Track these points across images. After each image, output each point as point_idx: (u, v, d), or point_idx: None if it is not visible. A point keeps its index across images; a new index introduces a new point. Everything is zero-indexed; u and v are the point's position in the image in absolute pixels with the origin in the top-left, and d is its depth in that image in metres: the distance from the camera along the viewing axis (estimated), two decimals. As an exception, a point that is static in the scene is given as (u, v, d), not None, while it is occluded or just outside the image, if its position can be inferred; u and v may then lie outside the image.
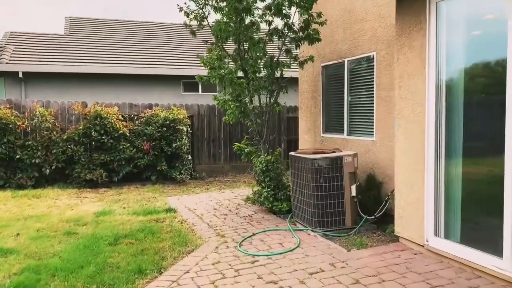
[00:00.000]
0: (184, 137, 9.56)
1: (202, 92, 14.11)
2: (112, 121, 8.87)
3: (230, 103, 6.50)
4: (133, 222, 5.67)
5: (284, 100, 7.11)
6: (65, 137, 8.48)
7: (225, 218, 5.92)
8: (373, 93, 5.92)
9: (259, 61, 6.36)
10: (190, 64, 13.88)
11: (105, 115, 8.80)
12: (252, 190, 6.88)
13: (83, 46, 13.96)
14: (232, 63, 6.75)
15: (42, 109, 8.49)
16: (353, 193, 5.11)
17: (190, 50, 15.24)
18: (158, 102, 10.17)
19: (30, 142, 8.19)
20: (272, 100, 6.58)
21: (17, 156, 8.06)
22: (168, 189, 8.74)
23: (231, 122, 6.72)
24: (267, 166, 6.02)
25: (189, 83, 13.89)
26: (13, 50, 12.34)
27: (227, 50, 6.67)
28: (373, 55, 5.89)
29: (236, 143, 7.09)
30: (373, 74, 5.89)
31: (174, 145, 9.25)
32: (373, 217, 5.09)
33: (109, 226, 5.47)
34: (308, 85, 7.53)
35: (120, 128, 8.92)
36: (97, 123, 8.69)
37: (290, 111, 11.35)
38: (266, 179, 6.05)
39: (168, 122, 9.26)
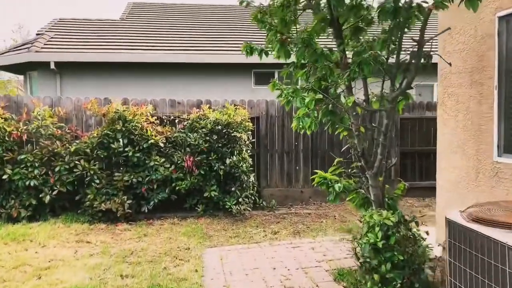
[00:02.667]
0: (243, 149, 6.76)
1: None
2: (140, 126, 6.39)
3: (305, 94, 3.51)
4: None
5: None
6: (72, 149, 6.16)
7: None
8: None
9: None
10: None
11: (130, 117, 6.34)
12: (352, 245, 3.77)
13: (137, 32, 11.98)
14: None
15: (44, 109, 6.29)
16: None
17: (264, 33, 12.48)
18: (223, 98, 7.49)
19: (24, 157, 6.00)
20: (399, 88, 3.40)
21: (5, 176, 5.93)
22: (216, 230, 5.99)
23: (308, 132, 3.73)
24: (387, 238, 2.92)
25: (263, 74, 11.14)
26: (51, 38, 10.69)
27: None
28: None
29: (318, 172, 4.02)
30: None
31: (228, 160, 6.50)
32: None
33: None
34: (462, 60, 4.14)
35: (152, 135, 6.40)
36: (119, 128, 6.27)
37: (405, 109, 7.91)
38: (383, 268, 2.96)
39: (219, 127, 6.53)
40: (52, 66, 9.70)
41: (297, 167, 7.68)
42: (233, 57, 10.61)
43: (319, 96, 3.34)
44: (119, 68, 10.29)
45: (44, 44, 10.25)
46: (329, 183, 3.77)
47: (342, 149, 4.99)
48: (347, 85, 3.51)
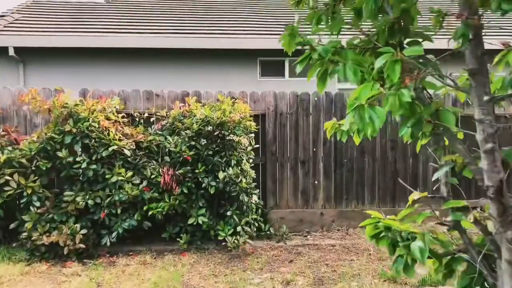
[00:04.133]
0: (243, 158, 5.06)
1: (289, 77, 9.55)
2: (98, 126, 4.70)
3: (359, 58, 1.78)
4: None
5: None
6: (2, 158, 4.49)
7: None
8: None
9: None
10: (271, 32, 9.40)
11: (85, 114, 4.66)
12: None
13: (122, 14, 10.32)
14: None
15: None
16: None
17: (271, 14, 10.78)
18: (222, 91, 5.76)
19: None
20: None
21: None
22: (202, 275, 4.29)
23: (368, 136, 1.94)
24: None
25: (270, 64, 9.45)
26: (15, 20, 9.06)
27: None
28: None
29: (372, 213, 2.24)
30: None
31: (222, 174, 4.79)
32: None
33: None
34: None
35: (115, 139, 4.71)
36: (68, 130, 4.59)
37: None
38: None
39: (210, 127, 4.82)
40: (11, 52, 8.07)
41: (316, 181, 5.93)
42: (235, 41, 8.90)
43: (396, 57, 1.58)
44: (98, 55, 8.63)
45: (4, 27, 8.63)
46: (397, 238, 2.02)
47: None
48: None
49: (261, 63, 9.55)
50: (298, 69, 1.91)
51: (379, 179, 6.07)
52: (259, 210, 5.51)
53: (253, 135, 5.26)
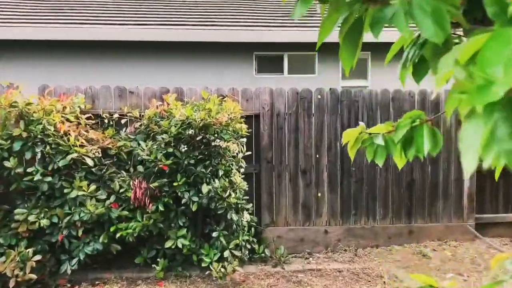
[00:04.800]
0: (232, 167, 4.27)
1: (289, 73, 8.78)
2: (55, 130, 3.91)
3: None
4: None
5: None
6: None
7: None
8: None
9: None
10: (268, 24, 8.62)
11: (38, 115, 3.87)
12: None
13: (98, 4, 9.51)
14: None
15: None
16: None
17: (267, 3, 9.99)
18: (206, 87, 4.96)
19: None
20: None
21: None
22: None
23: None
24: None
25: (268, 59, 8.68)
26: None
27: None
28: None
29: (421, 277, 2.29)
30: None
31: (206, 187, 4.00)
32: None
33: None
34: None
35: (75, 145, 3.91)
36: (18, 134, 3.80)
37: None
38: None
39: (191, 130, 4.02)
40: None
41: (319, 194, 5.13)
42: (227, 34, 8.12)
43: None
44: (72, 49, 7.85)
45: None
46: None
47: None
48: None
49: (257, 58, 8.77)
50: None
51: (392, 190, 5.28)
52: (252, 229, 4.71)
53: (244, 139, 4.46)
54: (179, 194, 4.05)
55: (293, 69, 9.02)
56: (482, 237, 5.50)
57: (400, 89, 5.27)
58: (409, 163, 5.29)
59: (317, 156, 5.11)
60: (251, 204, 4.66)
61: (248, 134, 4.49)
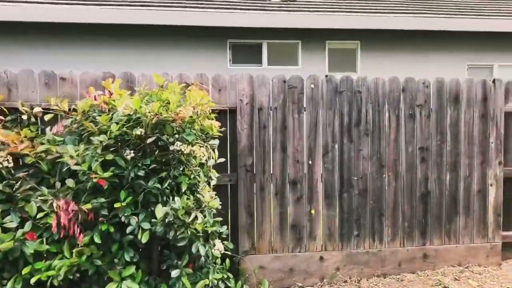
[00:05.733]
0: (199, 179, 3.17)
1: (269, 64, 7.75)
2: None
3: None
4: None
5: None
6: None
7: None
8: None
9: None
10: (244, 6, 7.57)
11: None
12: None
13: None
14: None
15: None
16: None
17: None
18: (165, 72, 3.80)
19: None
20: None
21: None
22: None
23: None
24: None
25: (244, 47, 7.60)
26: None
27: None
28: None
29: None
30: None
31: (162, 210, 2.88)
32: None
33: None
34: None
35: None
36: None
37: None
38: None
39: (140, 130, 2.89)
40: None
41: (313, 210, 4.09)
42: (199, 16, 7.01)
43: None
44: (23, 30, 6.60)
45: None
46: None
47: None
48: None
49: (232, 47, 7.70)
50: None
51: (403, 204, 4.29)
52: (227, 260, 3.62)
53: (216, 142, 3.37)
54: (122, 219, 2.92)
55: (273, 60, 7.99)
56: (510, 261, 4.57)
57: (413, 78, 4.28)
58: (424, 171, 4.30)
59: (310, 162, 4.06)
60: (225, 227, 3.56)
61: (221, 134, 3.40)
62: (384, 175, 4.23)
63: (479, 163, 4.42)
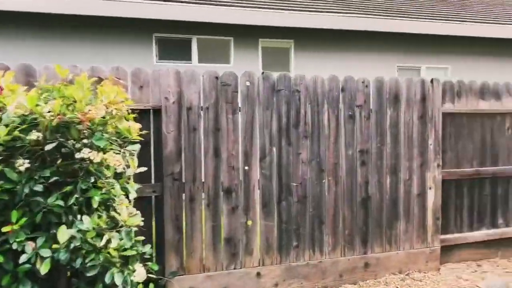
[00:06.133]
0: (114, 193, 2.64)
1: (200, 62, 7.30)
2: None
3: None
4: None
5: None
6: None
7: None
8: None
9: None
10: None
11: None
12: None
13: None
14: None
15: None
16: None
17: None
18: (74, 65, 3.18)
19: None
20: None
21: None
22: None
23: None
24: None
25: (171, 42, 7.11)
26: None
27: None
28: None
29: None
30: None
31: (65, 234, 2.34)
32: None
33: None
34: None
35: None
36: None
37: (449, 94, 4.58)
38: None
39: (37, 135, 2.32)
40: None
41: (249, 221, 3.71)
42: (120, 6, 6.38)
43: None
44: None
45: None
46: None
47: None
48: None
49: (158, 42, 7.15)
50: None
51: (344, 210, 4.06)
52: (150, 285, 3.13)
53: (136, 147, 2.86)
54: (14, 246, 2.34)
55: (204, 57, 7.55)
56: (448, 265, 4.52)
57: (352, 76, 4.06)
58: (364, 174, 4.10)
59: (246, 168, 3.68)
60: (149, 246, 3.06)
61: (142, 139, 2.90)
62: (324, 180, 3.96)
63: (419, 166, 4.31)
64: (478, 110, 4.63)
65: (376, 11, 9.22)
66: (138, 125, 2.85)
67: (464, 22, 9.51)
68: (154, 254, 3.44)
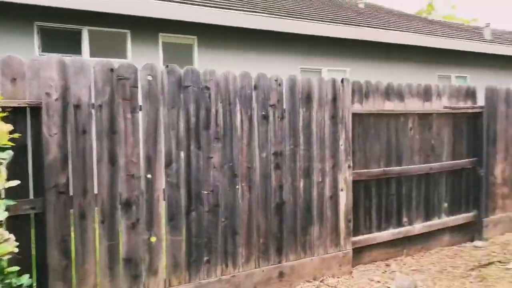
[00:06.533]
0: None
1: (91, 55, 6.56)
2: None
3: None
4: None
5: None
6: None
7: None
8: None
9: None
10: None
11: None
12: None
13: None
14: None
15: None
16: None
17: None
18: None
19: None
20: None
21: None
22: None
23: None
24: None
25: (57, 33, 6.29)
26: None
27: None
28: None
29: None
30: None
31: None
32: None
33: None
34: None
35: None
36: None
37: (358, 94, 4.56)
38: None
39: None
40: None
41: (153, 237, 3.23)
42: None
43: None
44: None
45: None
46: None
47: None
48: None
49: (41, 32, 6.25)
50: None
51: (258, 218, 3.77)
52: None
53: (7, 154, 2.25)
54: None
55: (97, 51, 6.80)
56: (359, 267, 4.49)
57: (265, 74, 3.80)
58: (278, 178, 3.86)
59: (149, 176, 3.20)
60: (27, 276, 2.45)
61: (13, 144, 2.29)
62: (237, 186, 3.63)
63: (331, 167, 4.19)
64: (384, 110, 4.69)
65: (282, 12, 9.20)
66: (9, 127, 2.24)
67: (359, 26, 9.94)
68: (35, 285, 2.81)
